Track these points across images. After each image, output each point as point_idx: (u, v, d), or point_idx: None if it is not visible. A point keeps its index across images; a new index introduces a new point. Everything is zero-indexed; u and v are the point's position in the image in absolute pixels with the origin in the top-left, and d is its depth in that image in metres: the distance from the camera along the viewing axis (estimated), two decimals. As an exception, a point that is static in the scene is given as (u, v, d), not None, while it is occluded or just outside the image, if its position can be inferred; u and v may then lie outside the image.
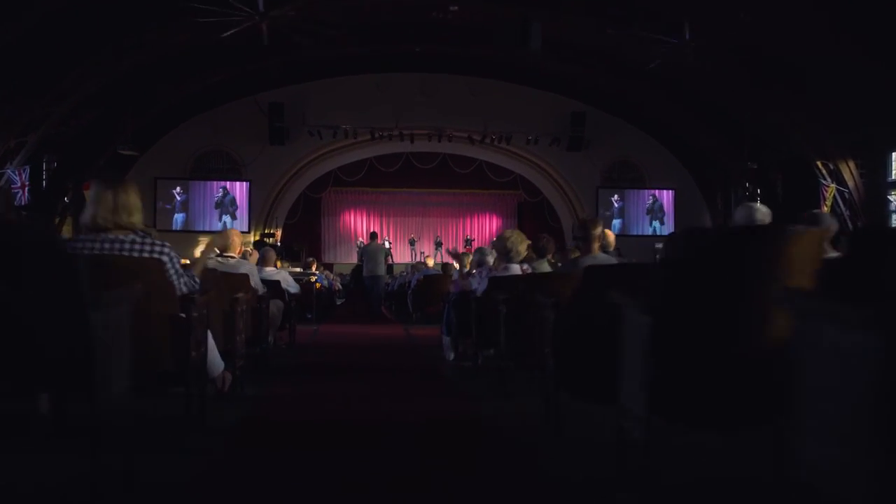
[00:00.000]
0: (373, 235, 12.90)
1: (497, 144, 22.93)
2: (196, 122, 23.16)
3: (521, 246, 5.85)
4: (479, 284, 5.67)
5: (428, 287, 10.44)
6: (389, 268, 21.86)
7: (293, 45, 19.94)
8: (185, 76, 19.36)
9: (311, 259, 10.89)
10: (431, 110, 23.31)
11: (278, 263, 9.38)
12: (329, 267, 23.27)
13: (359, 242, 25.40)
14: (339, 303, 11.72)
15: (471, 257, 8.44)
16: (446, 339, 6.87)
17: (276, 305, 6.48)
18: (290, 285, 7.21)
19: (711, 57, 17.92)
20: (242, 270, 5.66)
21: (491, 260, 6.42)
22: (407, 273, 11.63)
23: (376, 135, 21.74)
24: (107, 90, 16.75)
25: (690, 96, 21.20)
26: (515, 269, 5.50)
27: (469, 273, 6.62)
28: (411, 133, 22.11)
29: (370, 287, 12.68)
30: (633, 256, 25.27)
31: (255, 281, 5.75)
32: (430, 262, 11.55)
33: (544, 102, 24.35)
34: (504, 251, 5.63)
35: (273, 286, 6.68)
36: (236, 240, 6.37)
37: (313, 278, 10.23)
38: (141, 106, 18.85)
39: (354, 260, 25.27)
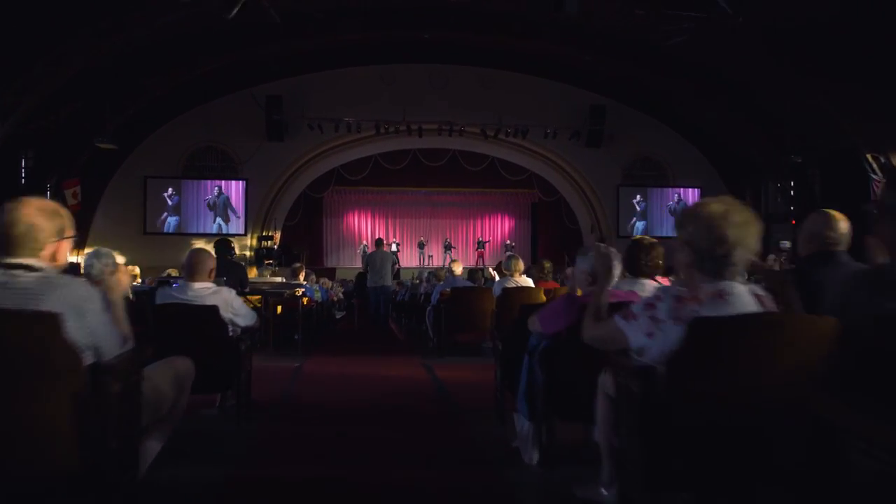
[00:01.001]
0: (378, 242, 11.23)
1: (513, 139, 21.28)
2: (188, 116, 21.65)
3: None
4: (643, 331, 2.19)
5: (459, 305, 7.54)
6: (396, 273, 20.35)
7: (292, 33, 18.52)
8: (174, 65, 17.80)
9: (297, 265, 8.61)
10: (441, 103, 21.73)
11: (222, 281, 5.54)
12: (330, 273, 21.72)
13: (362, 247, 23.83)
14: (338, 316, 9.86)
15: (517, 263, 6.83)
16: (524, 424, 3.44)
17: (170, 372, 2.99)
18: (239, 313, 4.18)
19: (746, 38, 16.36)
20: (209, 302, 3.99)
21: (617, 272, 3.17)
22: (423, 281, 9.62)
23: (381, 129, 20.15)
24: (87, 79, 15.20)
25: (719, 85, 19.49)
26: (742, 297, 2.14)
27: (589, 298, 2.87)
28: (419, 127, 20.46)
29: (376, 298, 11.12)
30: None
31: (228, 314, 4.05)
32: (458, 269, 9.33)
33: (561, 95, 22.75)
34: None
35: (199, 318, 3.92)
36: (208, 261, 4.29)
37: (299, 291, 7.67)
38: (126, 97, 17.29)
39: (358, 264, 23.70)
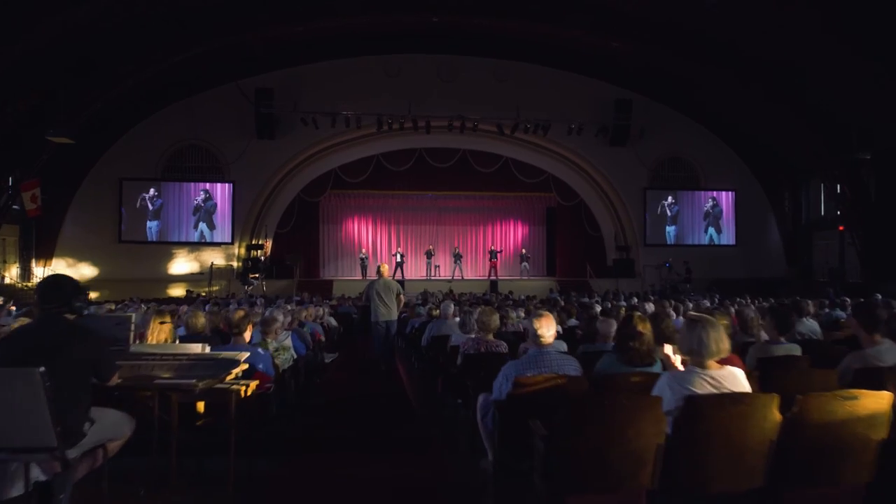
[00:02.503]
0: (380, 270, 8.89)
1: (530, 137, 19.07)
2: (168, 111, 19.47)
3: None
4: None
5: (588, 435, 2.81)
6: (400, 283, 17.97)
7: (284, 15, 16.34)
8: (148, 50, 15.58)
9: (237, 326, 4.47)
10: (450, 98, 19.53)
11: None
12: (326, 287, 19.44)
13: (362, 254, 21.59)
14: (328, 360, 7.47)
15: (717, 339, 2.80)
16: None
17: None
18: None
19: (793, 10, 14.18)
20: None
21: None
22: (445, 314, 7.12)
23: (384, 125, 17.89)
24: (39, 63, 13.00)
25: (759, 70, 17.16)
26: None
27: None
28: (427, 122, 18.24)
29: (381, 334, 8.90)
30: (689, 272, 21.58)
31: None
32: (451, 310, 6.90)
33: (583, 89, 20.56)
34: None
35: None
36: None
37: (235, 374, 3.45)
38: (91, 86, 15.03)
39: (358, 276, 21.47)
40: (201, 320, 4.91)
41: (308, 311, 8.43)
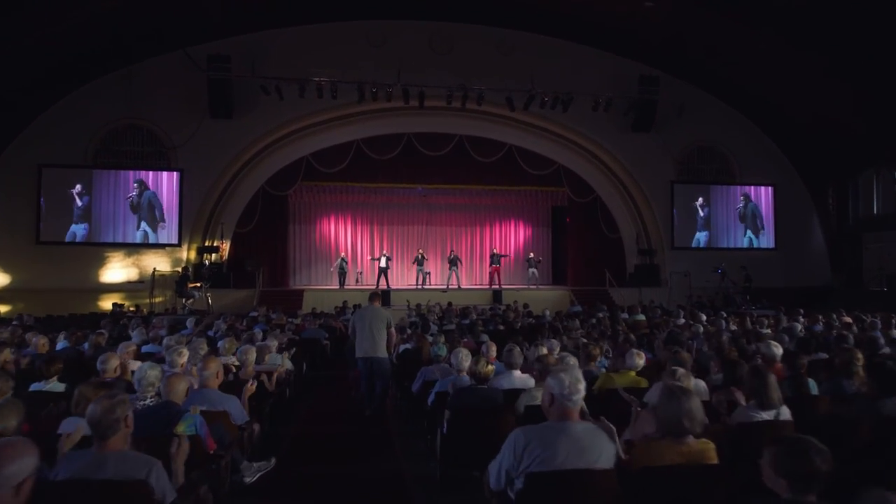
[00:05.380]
0: (372, 296, 5.97)
1: (550, 112, 15.81)
2: (101, 84, 15.93)
3: None
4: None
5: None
6: (385, 293, 14.73)
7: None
8: (67, 5, 12.09)
9: (102, 427, 2.20)
10: (444, 73, 16.26)
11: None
12: (296, 298, 15.95)
13: (339, 261, 18.14)
14: (250, 478, 4.12)
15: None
16: None
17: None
18: None
19: None
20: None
21: None
22: (460, 367, 4.07)
23: (367, 95, 14.55)
24: None
25: (812, 35, 14.27)
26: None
27: None
28: (420, 91, 14.92)
29: (366, 373, 6.47)
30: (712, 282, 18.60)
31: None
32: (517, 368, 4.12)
33: (601, 64, 17.45)
34: None
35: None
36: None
37: None
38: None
39: (335, 285, 18.02)
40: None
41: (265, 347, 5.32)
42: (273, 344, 6.14)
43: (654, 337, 7.38)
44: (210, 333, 7.76)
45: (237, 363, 5.05)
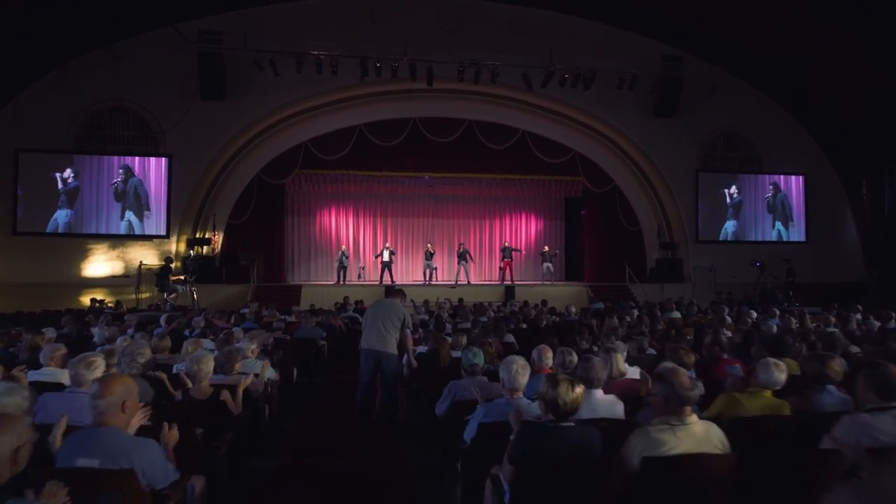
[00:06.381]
0: (395, 292, 4.65)
1: (571, 88, 14.54)
2: (85, 62, 14.77)
3: None
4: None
5: None
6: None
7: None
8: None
9: None
10: (452, 51, 15.02)
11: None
12: (294, 294, 14.76)
13: (342, 252, 16.93)
14: (269, 411, 3.12)
15: None
16: None
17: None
18: None
19: None
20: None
21: None
22: (512, 384, 2.85)
23: (370, 71, 13.35)
24: None
25: (853, 19, 13.09)
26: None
27: None
28: (429, 68, 13.73)
29: (369, 372, 5.35)
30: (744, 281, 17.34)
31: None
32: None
33: (621, 43, 16.21)
34: None
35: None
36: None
37: None
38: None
39: (334, 280, 16.84)
40: None
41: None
42: (250, 346, 4.90)
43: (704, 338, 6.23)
44: (186, 333, 6.60)
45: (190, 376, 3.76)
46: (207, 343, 5.16)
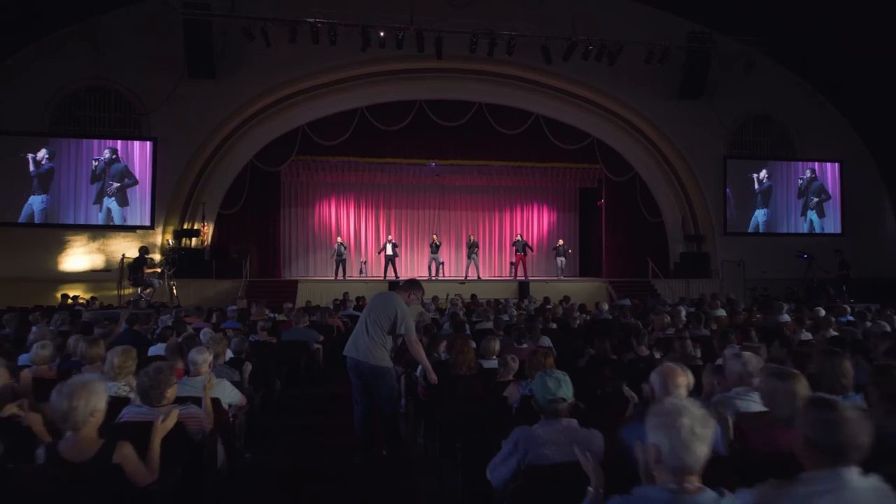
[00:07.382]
0: (392, 285, 3.53)
1: (595, 62, 13.23)
2: (61, 37, 13.55)
3: None
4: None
5: None
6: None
7: None
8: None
9: None
10: (462, 18, 13.74)
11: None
12: (290, 289, 13.54)
13: (338, 244, 15.70)
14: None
15: None
16: None
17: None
18: None
19: None
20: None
21: None
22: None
23: (374, 41, 12.11)
24: None
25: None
26: None
27: None
28: (438, 37, 12.48)
29: (357, 389, 4.15)
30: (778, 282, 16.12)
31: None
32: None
33: (647, 21, 14.93)
34: None
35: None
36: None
37: None
38: None
39: (332, 275, 15.63)
40: None
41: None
42: (204, 357, 3.63)
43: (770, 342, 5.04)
44: (148, 335, 5.39)
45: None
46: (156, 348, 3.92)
